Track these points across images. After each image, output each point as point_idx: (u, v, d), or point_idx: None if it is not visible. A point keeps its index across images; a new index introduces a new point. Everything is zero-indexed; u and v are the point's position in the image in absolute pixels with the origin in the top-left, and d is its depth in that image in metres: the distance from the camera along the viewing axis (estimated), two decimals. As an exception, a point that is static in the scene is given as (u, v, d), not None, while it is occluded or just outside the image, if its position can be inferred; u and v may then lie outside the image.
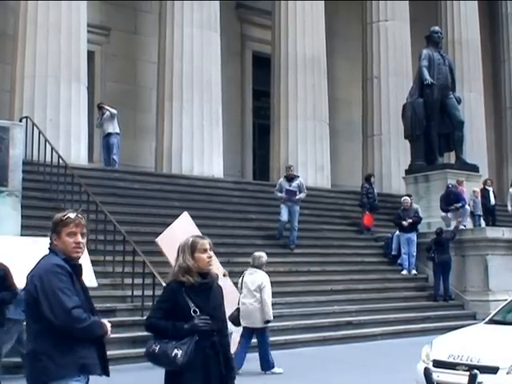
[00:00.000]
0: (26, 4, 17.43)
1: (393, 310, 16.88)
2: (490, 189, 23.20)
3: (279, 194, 17.75)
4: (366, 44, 25.27)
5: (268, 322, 11.47)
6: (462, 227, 19.55)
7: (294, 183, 17.77)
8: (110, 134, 18.92)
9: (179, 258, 5.33)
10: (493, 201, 22.91)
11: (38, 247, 8.67)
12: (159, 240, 12.60)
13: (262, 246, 17.39)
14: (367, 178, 21.39)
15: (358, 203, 20.70)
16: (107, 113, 19.02)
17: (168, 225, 16.31)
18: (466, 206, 19.92)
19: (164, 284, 12.31)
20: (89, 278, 10.57)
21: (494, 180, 25.94)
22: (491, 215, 22.63)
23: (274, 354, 12.49)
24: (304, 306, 14.89)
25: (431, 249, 18.19)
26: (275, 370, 11.31)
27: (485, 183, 23.51)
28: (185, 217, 13.81)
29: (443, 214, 19.65)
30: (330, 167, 22.87)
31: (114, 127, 18.99)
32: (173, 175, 19.09)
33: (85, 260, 9.61)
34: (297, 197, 17.63)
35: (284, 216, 17.58)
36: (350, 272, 17.73)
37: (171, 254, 10.68)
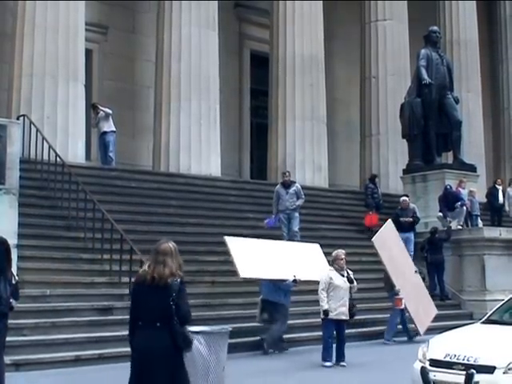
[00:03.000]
0: (24, 3, 17.41)
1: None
2: (500, 188, 23.27)
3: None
4: (365, 44, 25.27)
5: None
6: (459, 227, 19.58)
7: (291, 190, 17.64)
8: (105, 133, 18.92)
9: None
10: (501, 200, 22.99)
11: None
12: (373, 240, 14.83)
13: (259, 245, 17.44)
14: (371, 179, 21.41)
15: (364, 203, 20.74)
16: (101, 113, 19.01)
17: (166, 223, 16.41)
18: (464, 206, 19.96)
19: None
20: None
21: (491, 179, 25.95)
22: (498, 215, 22.68)
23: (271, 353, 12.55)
24: (303, 305, 14.88)
25: (424, 248, 18.23)
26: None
27: (495, 182, 23.62)
28: (389, 224, 15.97)
29: (440, 214, 19.66)
30: (328, 167, 22.85)
31: (109, 126, 18.99)
32: (170, 174, 19.08)
33: None
34: (295, 205, 17.54)
35: (285, 229, 17.53)
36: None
37: (385, 256, 14.67)
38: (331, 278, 12.18)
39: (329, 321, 12.19)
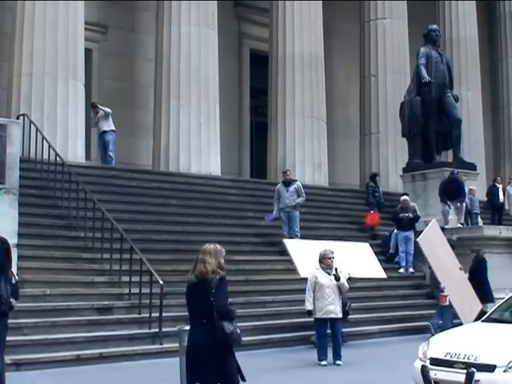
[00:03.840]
0: (23, 2, 17.41)
1: (390, 308, 16.88)
2: (500, 186, 23.27)
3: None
4: (364, 42, 25.27)
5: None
6: (459, 225, 19.57)
7: (292, 187, 17.63)
8: (105, 132, 18.91)
9: None
10: (501, 198, 22.99)
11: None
12: (419, 240, 15.11)
13: (259, 245, 17.46)
14: (372, 177, 21.40)
15: (365, 202, 20.74)
16: (101, 112, 18.99)
17: (166, 222, 16.43)
18: (464, 203, 19.93)
19: (161, 281, 12.48)
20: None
21: (491, 178, 25.94)
22: (499, 213, 22.67)
23: (267, 352, 12.55)
24: (301, 304, 14.86)
25: None
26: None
27: (494, 180, 23.61)
28: (433, 224, 16.43)
29: (443, 207, 19.56)
30: (328, 165, 22.85)
31: (108, 125, 18.96)
32: (170, 173, 19.08)
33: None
34: (295, 202, 17.53)
35: (285, 228, 17.53)
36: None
37: (430, 255, 15.16)
38: (316, 278, 12.28)
39: (318, 320, 12.33)
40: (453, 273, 15.73)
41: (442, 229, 18.26)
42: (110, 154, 18.91)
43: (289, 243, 14.64)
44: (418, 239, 15.76)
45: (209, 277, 6.52)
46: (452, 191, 19.58)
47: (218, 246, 6.76)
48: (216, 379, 6.43)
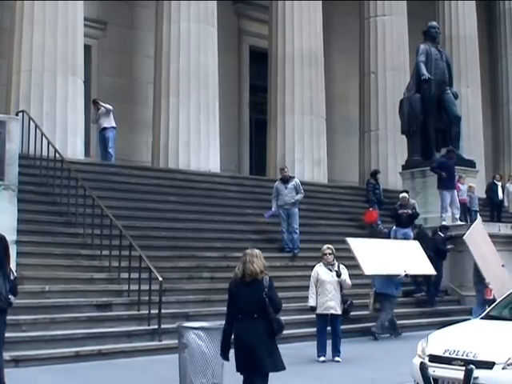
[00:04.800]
0: (22, -2, 17.42)
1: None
2: (499, 184, 23.26)
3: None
4: (364, 39, 25.24)
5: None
6: (459, 222, 19.55)
7: (290, 185, 17.59)
8: (105, 128, 18.88)
9: None
10: (500, 196, 22.98)
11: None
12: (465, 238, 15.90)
13: (258, 241, 17.42)
14: (373, 174, 21.40)
15: (365, 199, 20.74)
16: (102, 109, 18.97)
17: (165, 219, 16.44)
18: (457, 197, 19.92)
19: (160, 278, 12.48)
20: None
21: (490, 175, 25.94)
22: (498, 210, 22.66)
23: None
24: (301, 300, 14.85)
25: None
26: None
27: (493, 177, 23.60)
28: (478, 222, 17.61)
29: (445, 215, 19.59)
30: (327, 162, 22.85)
31: (109, 122, 18.93)
32: (169, 170, 19.07)
33: None
34: (294, 199, 17.50)
35: (284, 225, 17.48)
36: (347, 267, 17.66)
37: (476, 252, 16.16)
38: (318, 273, 12.35)
39: (318, 316, 12.40)
40: (495, 269, 16.50)
41: (445, 227, 18.26)
42: (110, 150, 18.89)
43: (352, 241, 15.22)
44: (464, 237, 16.42)
45: (259, 276, 7.29)
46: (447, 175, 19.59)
47: (256, 250, 7.57)
48: (268, 366, 7.31)
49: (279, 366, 7.40)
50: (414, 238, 17.91)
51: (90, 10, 20.51)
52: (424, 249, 16.49)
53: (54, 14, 17.37)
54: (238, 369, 7.38)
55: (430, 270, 16.14)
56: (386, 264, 14.77)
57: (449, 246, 17.94)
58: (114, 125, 19.02)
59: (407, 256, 15.46)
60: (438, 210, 19.88)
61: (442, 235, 17.98)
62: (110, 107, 18.99)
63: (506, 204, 23.17)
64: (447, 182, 19.56)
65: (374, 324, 14.95)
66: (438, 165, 19.79)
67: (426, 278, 17.42)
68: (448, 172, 19.50)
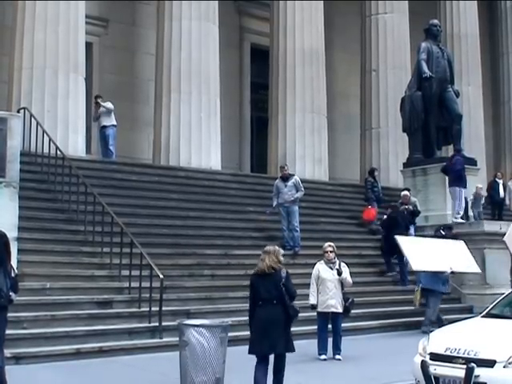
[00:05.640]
0: (24, -5, 17.41)
1: (390, 302, 16.89)
2: (500, 182, 23.26)
3: (268, 211, 17.73)
4: (365, 37, 25.23)
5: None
6: (460, 220, 19.54)
7: (290, 182, 17.57)
8: (105, 126, 18.88)
9: None
10: (502, 194, 22.97)
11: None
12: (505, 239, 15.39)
13: (259, 239, 17.43)
14: (371, 172, 21.40)
15: (364, 197, 20.73)
16: (102, 108, 18.96)
17: (166, 217, 16.45)
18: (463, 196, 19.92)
19: (161, 276, 12.49)
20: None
21: (491, 173, 25.95)
22: (499, 208, 22.63)
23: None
24: (301, 298, 14.85)
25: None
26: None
27: (495, 176, 23.57)
28: None
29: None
30: (328, 160, 22.84)
31: (110, 120, 18.93)
32: (170, 167, 19.07)
33: None
34: (294, 197, 17.49)
35: (285, 223, 17.48)
36: (348, 265, 17.68)
37: None
38: (319, 271, 12.36)
39: (319, 314, 12.40)
40: None
41: (449, 227, 18.23)
42: (111, 148, 18.89)
43: (400, 239, 15.69)
44: (504, 238, 16.11)
45: (276, 268, 8.61)
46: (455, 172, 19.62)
47: (276, 247, 8.95)
48: (280, 347, 8.54)
49: (290, 348, 8.64)
50: (387, 217, 18.53)
51: (92, 8, 20.48)
52: (396, 231, 17.13)
53: (55, 11, 17.35)
54: (252, 351, 8.57)
55: (475, 268, 16.29)
56: (432, 261, 15.21)
57: None
58: (114, 123, 19.01)
59: (453, 254, 15.80)
60: (440, 209, 19.88)
61: (444, 234, 17.95)
62: (111, 107, 18.98)
63: (507, 202, 23.17)
64: (454, 182, 19.58)
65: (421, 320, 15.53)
66: (443, 168, 19.84)
67: (399, 258, 17.65)
68: (453, 172, 19.52)
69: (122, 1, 22.78)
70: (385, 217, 18.87)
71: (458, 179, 19.64)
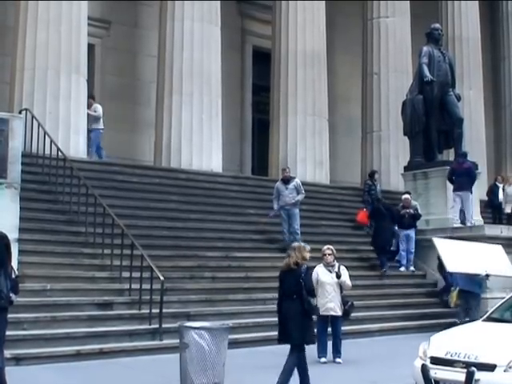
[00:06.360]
0: (26, -4, 17.42)
1: (390, 306, 16.89)
2: (500, 186, 23.21)
3: (271, 214, 17.71)
4: (367, 40, 25.23)
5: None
6: (459, 224, 19.52)
7: (291, 185, 17.58)
8: (92, 130, 18.94)
9: None
10: (501, 198, 22.94)
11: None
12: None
13: (259, 241, 17.47)
14: (370, 175, 21.40)
15: (361, 199, 20.77)
16: (93, 113, 18.98)
17: (167, 218, 16.44)
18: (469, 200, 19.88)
19: (162, 277, 12.50)
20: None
21: (492, 177, 25.92)
22: (499, 212, 22.61)
23: (271, 349, 12.51)
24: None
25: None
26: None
27: (495, 179, 23.54)
28: None
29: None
30: (329, 163, 22.84)
31: (97, 125, 19.09)
32: (172, 169, 19.08)
33: None
34: (294, 200, 17.49)
35: (285, 226, 17.48)
36: (348, 268, 17.68)
37: None
38: (318, 274, 12.31)
39: (318, 317, 12.30)
40: None
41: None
42: (96, 149, 18.95)
43: (437, 241, 16.07)
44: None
45: (298, 264, 9.11)
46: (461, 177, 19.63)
47: (302, 244, 9.57)
48: (301, 339, 9.09)
49: (308, 340, 9.22)
50: (371, 211, 19.13)
51: (94, 9, 20.50)
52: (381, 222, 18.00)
53: (58, 11, 17.37)
54: (278, 340, 9.38)
55: (510, 272, 16.41)
56: (468, 263, 15.49)
57: None
58: (101, 126, 19.11)
59: (489, 257, 16.03)
60: (440, 212, 19.89)
61: None
62: (99, 114, 19.02)
63: (503, 206, 23.04)
64: (466, 186, 19.59)
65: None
66: (450, 171, 19.87)
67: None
68: (466, 177, 19.54)
69: (124, 2, 22.79)
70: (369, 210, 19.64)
71: (470, 184, 19.62)
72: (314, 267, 9.59)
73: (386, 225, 18.64)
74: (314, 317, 9.96)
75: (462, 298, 15.95)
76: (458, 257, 15.52)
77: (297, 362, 9.12)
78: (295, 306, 9.03)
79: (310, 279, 9.38)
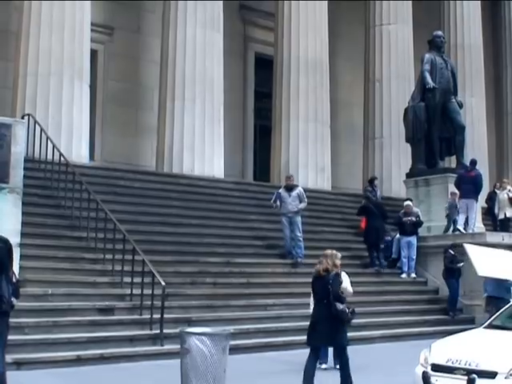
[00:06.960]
0: (30, 2, 17.44)
1: (392, 313, 16.88)
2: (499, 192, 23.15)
3: (274, 205, 17.64)
4: (369, 47, 25.27)
5: None
6: (462, 231, 19.52)
7: (294, 193, 17.57)
8: None
9: None
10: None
11: None
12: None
13: (261, 247, 17.47)
14: (370, 181, 21.41)
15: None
16: None
17: (169, 224, 16.45)
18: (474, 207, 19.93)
19: (163, 283, 12.50)
20: None
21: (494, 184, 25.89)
22: (495, 219, 22.55)
23: (272, 355, 12.54)
24: (303, 307, 14.85)
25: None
26: None
27: (494, 186, 23.49)
28: None
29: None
30: (331, 169, 22.85)
31: None
32: (173, 175, 19.09)
33: None
34: (297, 208, 17.48)
35: (287, 232, 17.48)
36: (350, 274, 17.66)
37: None
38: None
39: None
40: None
41: (454, 246, 18.16)
42: None
43: (468, 247, 15.90)
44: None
45: (329, 271, 9.55)
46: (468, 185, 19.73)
47: (334, 251, 9.85)
48: (330, 341, 9.79)
49: (338, 343, 9.78)
50: (360, 210, 19.40)
51: (97, 15, 20.54)
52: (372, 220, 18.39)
53: (61, 17, 17.42)
54: (307, 342, 9.78)
55: None
56: (498, 268, 15.39)
57: (459, 264, 17.81)
58: None
59: None
60: (442, 219, 19.88)
61: (452, 253, 17.89)
62: None
63: (495, 211, 22.86)
64: (473, 194, 19.70)
65: None
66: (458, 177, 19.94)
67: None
68: (473, 185, 19.63)
69: (127, 8, 22.85)
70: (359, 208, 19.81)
71: (475, 192, 19.66)
72: (336, 272, 9.59)
73: (377, 221, 18.97)
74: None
75: (492, 304, 15.77)
76: (488, 262, 15.46)
77: (344, 358, 9.79)
78: (325, 311, 9.45)
79: (338, 285, 9.65)
